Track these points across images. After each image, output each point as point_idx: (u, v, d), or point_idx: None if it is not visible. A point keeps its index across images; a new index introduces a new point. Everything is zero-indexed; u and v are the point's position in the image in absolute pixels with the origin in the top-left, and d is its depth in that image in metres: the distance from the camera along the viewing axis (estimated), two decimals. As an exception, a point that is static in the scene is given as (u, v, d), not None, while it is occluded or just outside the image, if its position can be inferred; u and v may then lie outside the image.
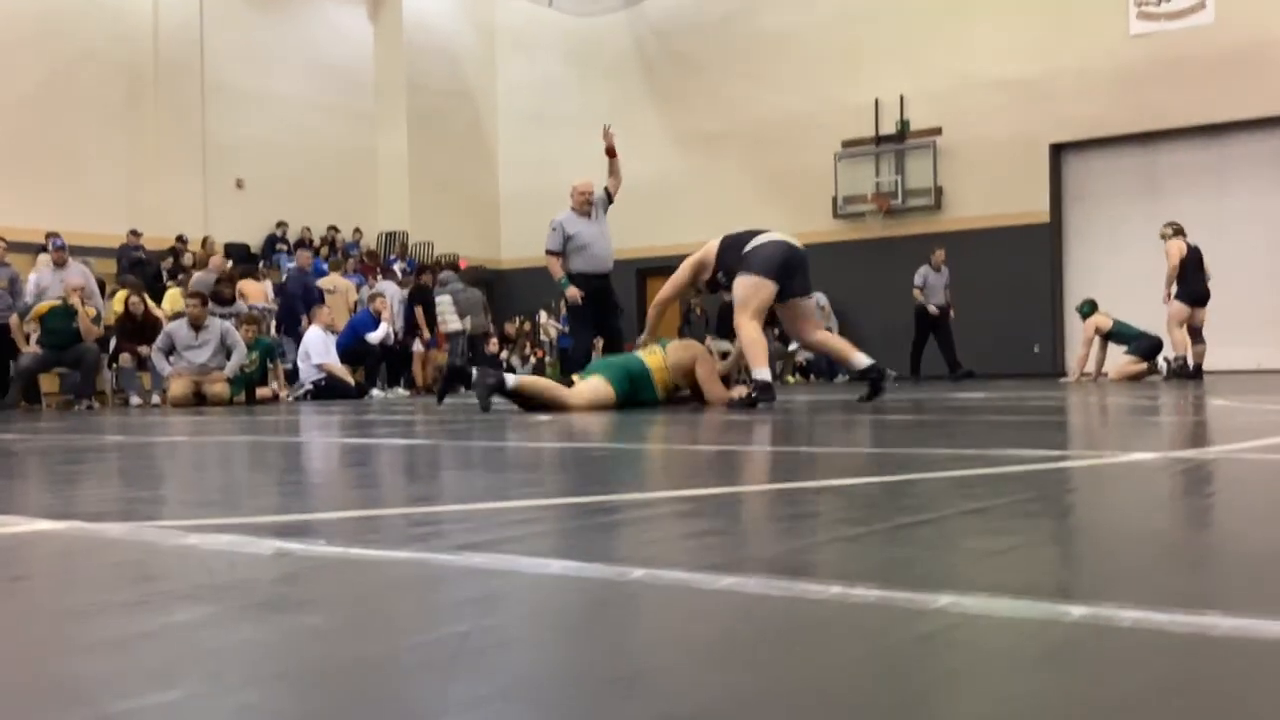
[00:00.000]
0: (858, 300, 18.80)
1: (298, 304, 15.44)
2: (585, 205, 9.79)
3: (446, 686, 0.99)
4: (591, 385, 7.51)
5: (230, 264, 16.27)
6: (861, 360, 7.57)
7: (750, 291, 7.34)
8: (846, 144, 20.66)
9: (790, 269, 7.48)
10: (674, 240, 20.92)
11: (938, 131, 19.88)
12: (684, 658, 1.08)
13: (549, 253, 9.74)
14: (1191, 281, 13.58)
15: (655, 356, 7.87)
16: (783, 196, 21.04)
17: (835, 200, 20.71)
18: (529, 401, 7.54)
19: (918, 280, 16.60)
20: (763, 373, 7.27)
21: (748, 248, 7.47)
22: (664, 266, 21.18)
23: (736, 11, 21.73)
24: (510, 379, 7.66)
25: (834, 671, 1.02)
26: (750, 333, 7.34)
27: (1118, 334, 14.51)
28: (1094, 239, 19.28)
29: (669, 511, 2.21)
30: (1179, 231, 13.84)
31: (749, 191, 21.36)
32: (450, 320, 16.51)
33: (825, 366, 19.96)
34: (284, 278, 16.73)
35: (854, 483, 2.68)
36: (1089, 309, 14.88)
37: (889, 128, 20.38)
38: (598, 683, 1.00)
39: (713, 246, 7.90)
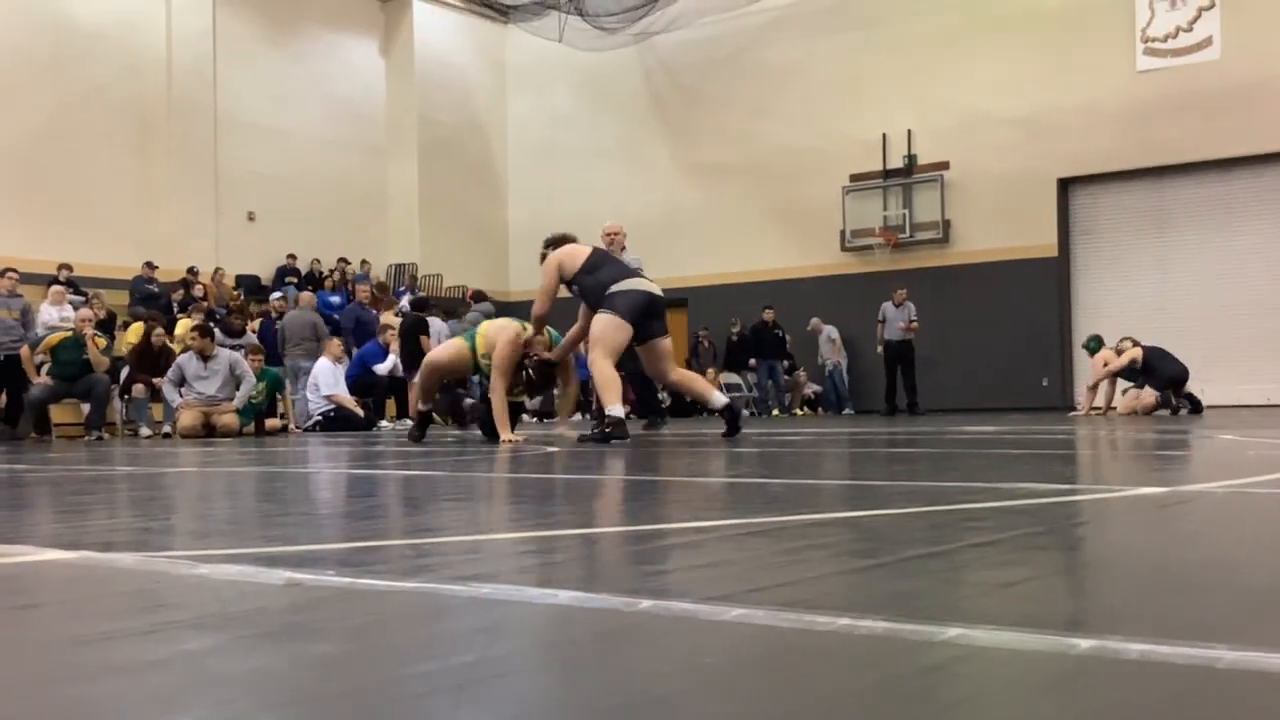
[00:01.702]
0: (866, 332, 18.79)
1: (349, 336, 15.60)
2: (609, 246, 10.05)
3: (454, 715, 1.00)
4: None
5: (241, 295, 16.38)
6: (719, 399, 7.77)
7: (610, 331, 7.39)
8: (854, 178, 20.74)
9: (650, 314, 7.60)
10: (681, 272, 20.99)
11: (945, 166, 19.95)
12: (692, 688, 1.08)
13: None
14: (1162, 370, 13.73)
15: (481, 339, 8.18)
16: (790, 229, 21.11)
17: (843, 233, 20.76)
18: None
19: (879, 315, 17.18)
20: (615, 409, 7.30)
21: (613, 289, 7.50)
22: (673, 299, 21.26)
23: (745, 46, 21.87)
24: (424, 407, 8.47)
25: (841, 703, 1.03)
26: (604, 370, 7.39)
27: (1127, 368, 14.50)
28: (1101, 273, 19.29)
29: (677, 543, 2.21)
30: (1136, 343, 14.19)
31: (756, 224, 21.44)
32: None
33: (833, 399, 19.96)
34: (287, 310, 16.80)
35: (861, 515, 2.68)
36: (1096, 345, 14.91)
37: (896, 162, 20.46)
38: (604, 713, 1.01)
39: (580, 253, 7.79)
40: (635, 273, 7.81)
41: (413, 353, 16.06)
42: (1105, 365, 14.57)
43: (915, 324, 17.02)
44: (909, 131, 20.29)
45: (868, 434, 8.89)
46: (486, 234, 24.34)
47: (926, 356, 17.77)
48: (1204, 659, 1.12)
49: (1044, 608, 1.49)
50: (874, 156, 20.58)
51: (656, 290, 7.71)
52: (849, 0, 20.84)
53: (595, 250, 7.88)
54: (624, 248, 10.19)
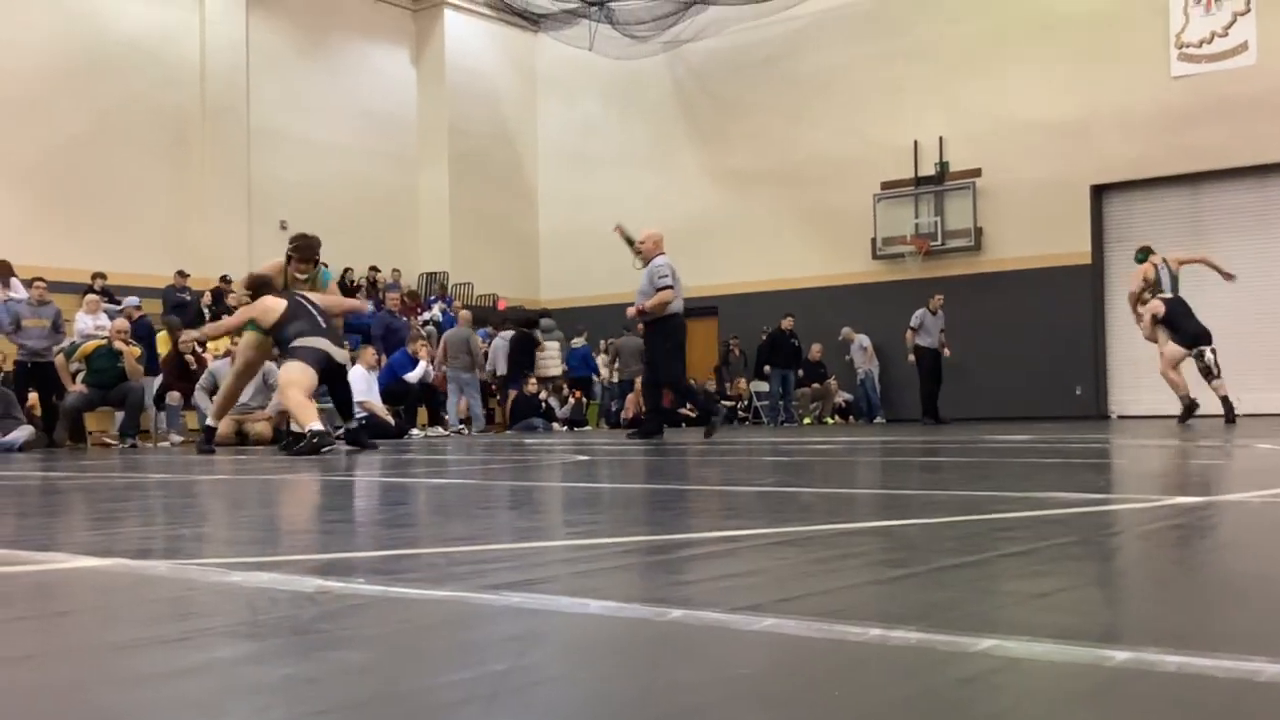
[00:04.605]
0: (897, 341, 18.71)
1: (378, 344, 15.74)
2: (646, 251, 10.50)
3: (486, 724, 1.00)
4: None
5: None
6: (313, 426, 8.18)
7: (300, 376, 8.40)
8: (886, 185, 20.67)
9: (327, 368, 8.61)
10: (713, 280, 20.98)
11: (977, 173, 19.84)
12: (723, 699, 1.08)
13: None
14: (1185, 328, 12.86)
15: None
16: (821, 237, 21.06)
17: (874, 241, 20.69)
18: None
19: (914, 321, 16.96)
20: (315, 425, 8.09)
21: (297, 344, 8.50)
22: (704, 307, 21.24)
23: (776, 53, 21.84)
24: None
25: (875, 715, 1.02)
26: (296, 399, 8.36)
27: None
28: (1136, 280, 19.10)
29: (708, 551, 2.20)
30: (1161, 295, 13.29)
31: (788, 232, 21.40)
32: (553, 367, 18.35)
33: (865, 408, 19.90)
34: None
35: (893, 524, 2.66)
36: (1143, 256, 13.81)
37: (928, 169, 20.37)
38: (637, 722, 1.00)
39: (275, 309, 8.64)
40: (321, 329, 8.64)
41: (521, 365, 16.75)
42: (1143, 279, 13.47)
43: (945, 347, 16.93)
44: (941, 138, 20.21)
45: (899, 443, 8.85)
46: (517, 242, 24.41)
47: (958, 364, 17.67)
48: (1243, 671, 1.10)
49: (1079, 619, 1.47)
50: (906, 163, 20.51)
51: (334, 354, 8.65)
52: (881, 6, 20.79)
53: (290, 304, 8.69)
54: (661, 253, 10.28)
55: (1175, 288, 13.15)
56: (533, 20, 24.19)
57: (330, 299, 9.30)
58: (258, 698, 1.11)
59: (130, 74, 18.54)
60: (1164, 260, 13.31)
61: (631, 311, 10.35)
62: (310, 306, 8.77)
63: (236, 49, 20.03)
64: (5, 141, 16.93)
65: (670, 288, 10.06)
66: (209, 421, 9.51)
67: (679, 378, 10.52)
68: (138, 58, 18.67)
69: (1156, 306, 13.06)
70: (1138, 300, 13.31)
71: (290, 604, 1.65)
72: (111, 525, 3.30)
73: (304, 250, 9.28)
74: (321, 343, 8.58)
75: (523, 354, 17.70)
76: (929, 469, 5.22)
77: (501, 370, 17.90)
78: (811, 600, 1.59)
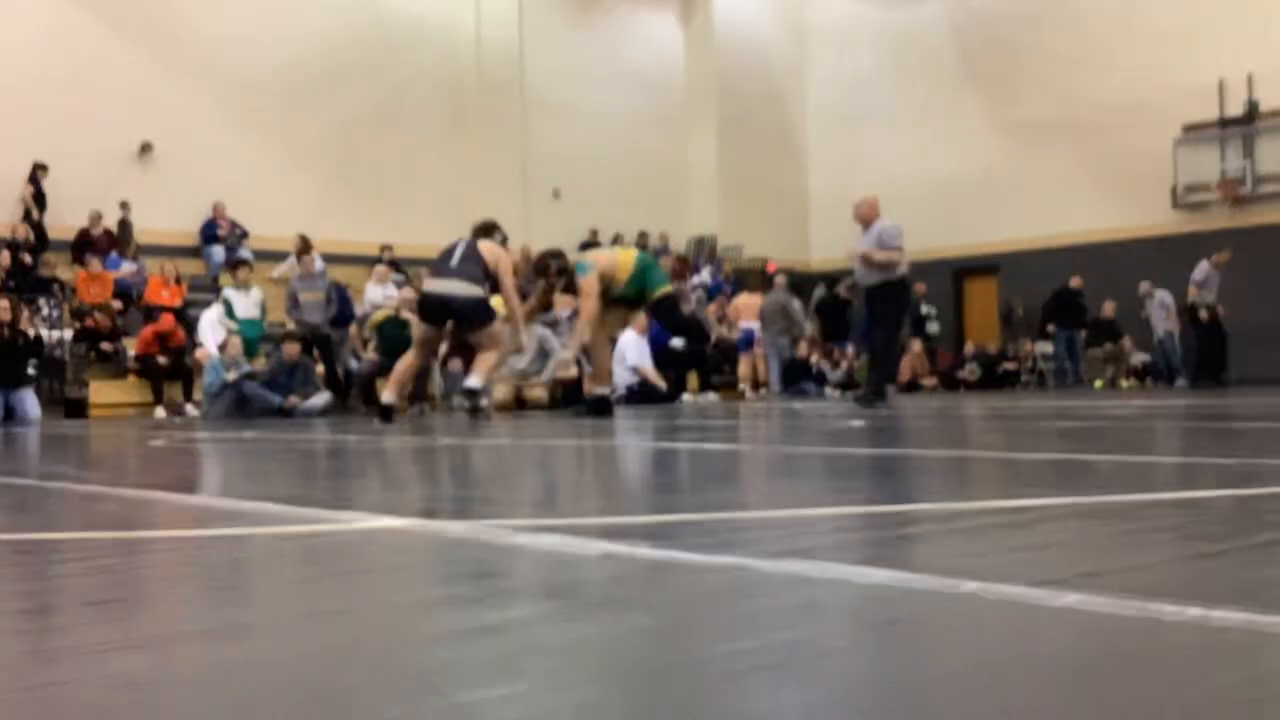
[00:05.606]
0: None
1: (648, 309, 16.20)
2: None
3: (777, 692, 0.98)
4: None
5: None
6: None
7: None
8: (1187, 128, 19.23)
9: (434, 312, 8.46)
10: (995, 237, 20.20)
11: (1292, 111, 18.18)
12: (1025, 677, 1.02)
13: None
14: None
15: None
16: (1114, 188, 19.82)
17: (1175, 190, 19.33)
18: None
19: (1197, 275, 15.69)
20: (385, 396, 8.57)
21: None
22: (984, 265, 20.49)
23: (1062, -7, 20.65)
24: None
25: (1196, 700, 0.93)
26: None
27: None
28: None
29: (999, 522, 2.11)
30: None
31: (1077, 182, 20.24)
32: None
33: (1164, 370, 18.66)
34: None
35: (1202, 495, 2.47)
36: None
37: (1236, 109, 18.83)
38: (932, 699, 0.96)
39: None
40: (443, 269, 8.52)
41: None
42: None
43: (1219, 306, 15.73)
44: (1250, 75, 18.61)
45: (1202, 407, 8.28)
46: (787, 203, 24.24)
47: (1268, 322, 16.33)
48: None
49: None
50: (1210, 104, 19.00)
51: (438, 290, 8.39)
52: (1176, -63, 19.30)
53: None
54: (868, 221, 9.83)
55: None
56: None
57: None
58: (553, 658, 1.13)
59: (411, 53, 19.49)
60: None
61: (854, 252, 9.85)
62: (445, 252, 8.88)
63: (510, 23, 20.70)
64: (296, 124, 18.07)
65: (899, 249, 9.72)
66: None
67: (887, 344, 10.15)
68: (418, 37, 19.60)
69: None
70: None
71: (577, 567, 1.68)
72: (404, 487, 3.49)
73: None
74: (427, 283, 8.69)
75: (832, 316, 17.94)
76: (1235, 436, 4.84)
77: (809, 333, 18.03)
78: (1118, 576, 1.49)
